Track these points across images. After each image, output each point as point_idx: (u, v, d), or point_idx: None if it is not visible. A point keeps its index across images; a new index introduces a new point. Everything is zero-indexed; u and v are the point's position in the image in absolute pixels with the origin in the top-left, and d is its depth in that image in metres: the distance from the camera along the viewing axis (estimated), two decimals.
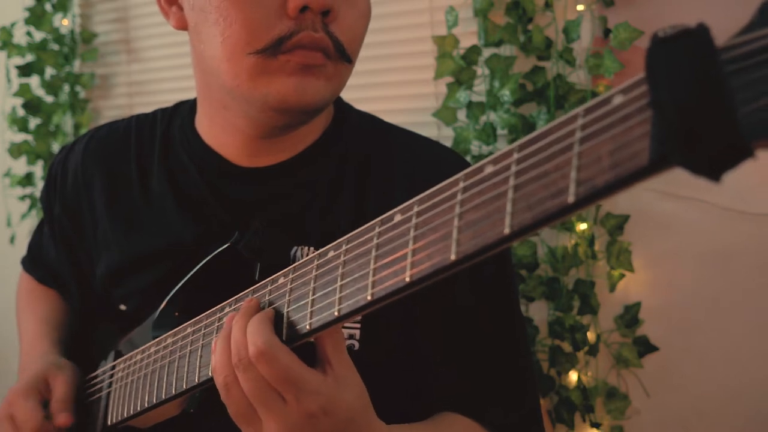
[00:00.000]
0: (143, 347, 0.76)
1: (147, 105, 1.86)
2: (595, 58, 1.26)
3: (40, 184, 1.97)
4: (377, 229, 0.51)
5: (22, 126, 1.95)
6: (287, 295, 0.58)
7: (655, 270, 1.29)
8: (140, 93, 1.91)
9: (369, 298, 0.50)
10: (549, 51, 1.31)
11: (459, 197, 0.44)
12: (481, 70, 1.37)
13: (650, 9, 1.25)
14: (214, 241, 0.76)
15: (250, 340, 0.56)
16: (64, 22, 1.93)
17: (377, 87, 1.54)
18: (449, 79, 1.41)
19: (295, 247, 0.77)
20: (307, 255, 0.59)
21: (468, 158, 1.37)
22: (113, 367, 0.82)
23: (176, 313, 0.76)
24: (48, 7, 1.92)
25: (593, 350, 1.31)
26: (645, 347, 1.29)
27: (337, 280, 0.53)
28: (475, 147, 1.38)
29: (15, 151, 1.94)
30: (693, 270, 1.26)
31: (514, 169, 0.41)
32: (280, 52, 0.69)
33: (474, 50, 1.36)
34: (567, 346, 1.33)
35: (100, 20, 1.96)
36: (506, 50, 1.36)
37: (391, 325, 0.77)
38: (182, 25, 0.79)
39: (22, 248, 1.18)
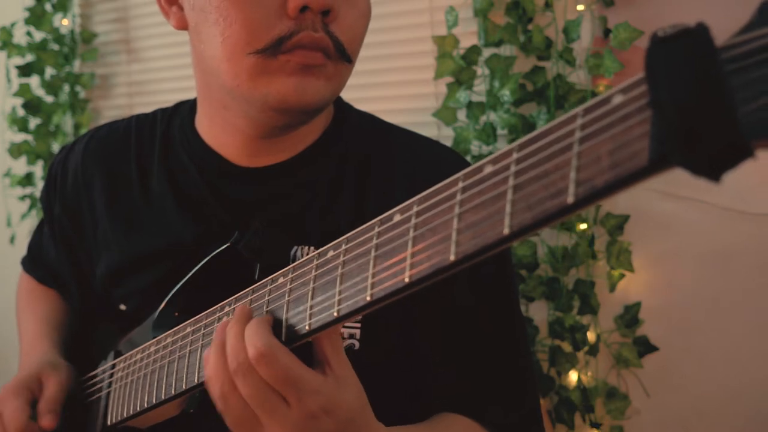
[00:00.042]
0: (143, 347, 0.76)
1: (147, 105, 1.86)
2: (595, 58, 1.26)
3: (40, 184, 1.97)
4: (376, 229, 0.51)
5: (22, 126, 1.95)
6: (287, 295, 0.58)
7: (655, 270, 1.29)
8: (140, 93, 1.91)
9: (368, 298, 0.50)
10: (549, 51, 1.31)
11: (458, 197, 0.44)
12: (481, 70, 1.37)
13: (650, 9, 1.25)
14: (214, 241, 0.76)
15: (249, 342, 0.56)
16: (64, 22, 1.93)
17: (377, 87, 1.54)
18: (449, 79, 1.41)
19: (295, 247, 0.77)
20: (307, 255, 0.59)
21: (468, 158, 1.37)
22: (113, 367, 0.82)
23: (176, 313, 0.76)
24: (48, 7, 1.92)
25: (593, 350, 1.30)
26: (645, 347, 1.29)
27: (336, 281, 0.53)
28: (475, 147, 1.38)
29: (15, 151, 1.94)
30: (693, 270, 1.26)
31: (513, 169, 0.41)
32: (280, 52, 0.69)
33: (474, 50, 1.36)
34: (567, 346, 1.33)
35: (100, 20, 1.96)
36: (506, 50, 1.36)
37: (391, 324, 0.77)
38: (182, 25, 0.79)
39: (22, 248, 1.18)
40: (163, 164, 0.86)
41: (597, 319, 1.31)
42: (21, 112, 1.95)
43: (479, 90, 1.37)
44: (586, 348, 1.30)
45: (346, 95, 0.86)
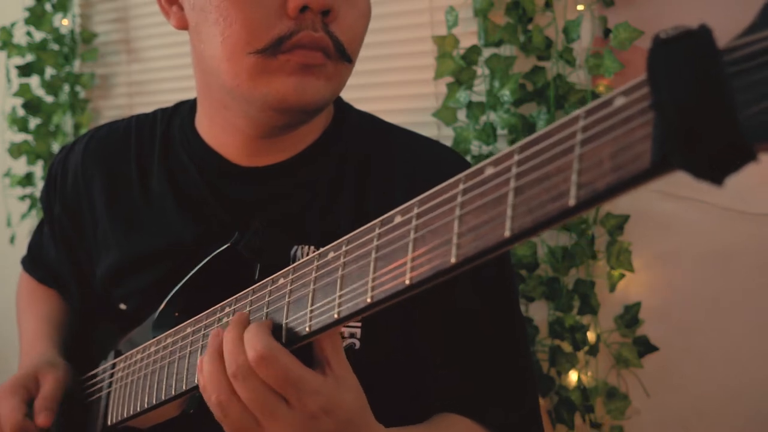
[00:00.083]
0: (143, 347, 0.76)
1: (147, 105, 1.86)
2: (595, 58, 1.26)
3: (40, 184, 1.97)
4: (377, 231, 0.51)
5: (22, 126, 1.95)
6: (287, 296, 0.58)
7: (655, 270, 1.29)
8: (140, 93, 1.91)
9: (369, 300, 0.50)
10: (549, 51, 1.31)
11: (459, 199, 0.44)
12: (481, 70, 1.37)
13: (650, 9, 1.25)
14: (214, 241, 0.76)
15: (248, 345, 0.56)
16: (64, 22, 1.93)
17: (377, 87, 1.54)
18: (449, 79, 1.41)
19: (295, 247, 0.77)
20: (307, 255, 0.58)
21: (468, 158, 1.37)
22: (113, 367, 0.82)
23: (176, 313, 0.75)
24: (48, 7, 1.92)
25: (593, 350, 1.30)
26: (645, 347, 1.29)
27: (336, 282, 0.53)
28: (475, 147, 1.38)
29: (15, 151, 1.94)
30: (693, 270, 1.26)
31: (514, 171, 0.41)
32: (280, 52, 0.69)
33: (474, 50, 1.36)
34: (567, 346, 1.33)
35: (100, 20, 1.96)
36: (506, 50, 1.36)
37: (392, 324, 0.77)
38: (182, 25, 0.79)
39: (22, 248, 1.18)
40: (163, 164, 0.86)
41: (597, 319, 1.31)
42: (21, 112, 1.95)
43: (479, 90, 1.37)
44: (586, 348, 1.30)
45: (346, 95, 0.86)
